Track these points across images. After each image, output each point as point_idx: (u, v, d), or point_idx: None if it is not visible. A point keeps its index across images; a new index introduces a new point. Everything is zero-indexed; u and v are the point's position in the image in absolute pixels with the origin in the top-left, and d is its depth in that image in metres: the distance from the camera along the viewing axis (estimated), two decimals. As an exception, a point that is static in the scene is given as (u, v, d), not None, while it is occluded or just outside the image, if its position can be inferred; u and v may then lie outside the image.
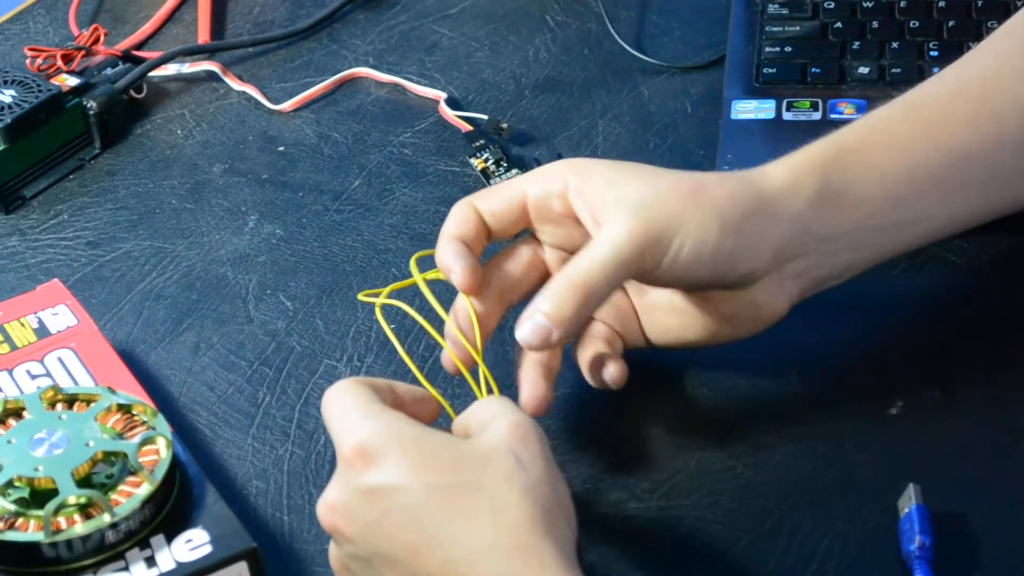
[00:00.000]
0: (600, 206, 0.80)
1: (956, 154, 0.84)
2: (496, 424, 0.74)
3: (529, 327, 0.79)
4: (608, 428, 0.87)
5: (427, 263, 0.85)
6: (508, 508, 0.70)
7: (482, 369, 0.81)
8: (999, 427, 0.84)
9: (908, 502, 0.79)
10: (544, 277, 0.84)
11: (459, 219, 0.83)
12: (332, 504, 0.74)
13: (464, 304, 0.82)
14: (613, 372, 0.84)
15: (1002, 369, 0.87)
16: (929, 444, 0.84)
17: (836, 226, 0.82)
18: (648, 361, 0.88)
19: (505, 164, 1.04)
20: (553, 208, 0.82)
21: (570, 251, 0.83)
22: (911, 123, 0.85)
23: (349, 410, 0.75)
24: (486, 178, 1.03)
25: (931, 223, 0.85)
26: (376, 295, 0.85)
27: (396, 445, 0.72)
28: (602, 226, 0.79)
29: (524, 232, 0.85)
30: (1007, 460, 0.83)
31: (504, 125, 1.06)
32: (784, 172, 0.82)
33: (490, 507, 0.70)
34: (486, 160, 1.04)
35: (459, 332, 0.82)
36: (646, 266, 0.79)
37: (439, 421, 0.80)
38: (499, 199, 0.83)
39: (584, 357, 0.85)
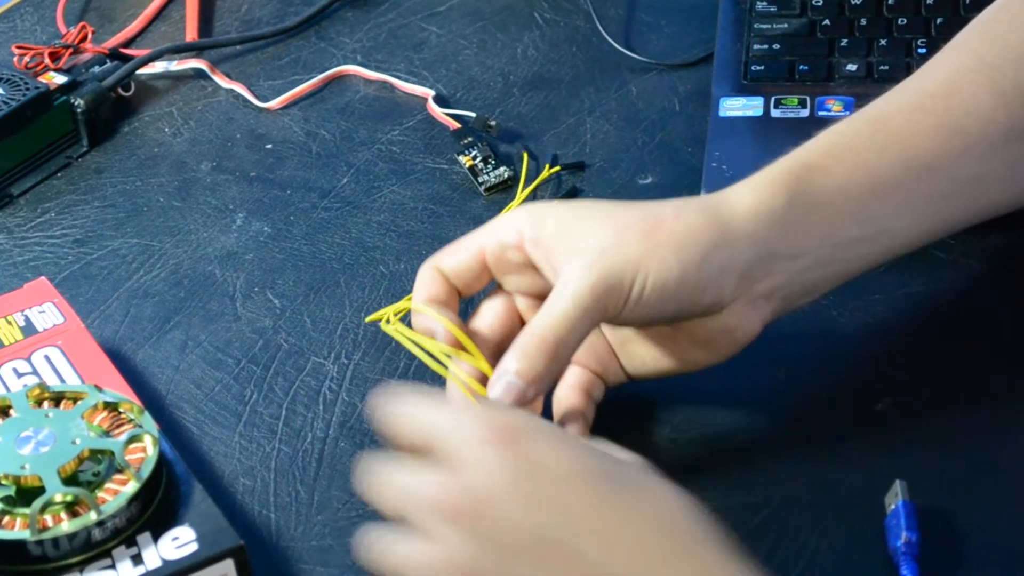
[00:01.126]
0: (557, 254, 0.80)
1: (920, 167, 0.84)
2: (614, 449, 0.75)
3: (502, 387, 0.78)
4: (594, 427, 0.86)
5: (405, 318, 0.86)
6: (675, 510, 0.70)
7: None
8: (986, 423, 0.85)
9: (895, 498, 0.79)
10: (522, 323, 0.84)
11: (427, 283, 0.83)
12: (475, 489, 0.68)
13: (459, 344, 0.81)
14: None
15: (989, 365, 0.88)
16: (916, 441, 0.84)
17: (801, 245, 0.82)
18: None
19: (493, 162, 1.04)
20: (511, 260, 0.82)
21: (538, 297, 0.82)
22: (873, 138, 0.84)
23: (459, 404, 0.74)
24: (474, 175, 1.03)
25: (897, 237, 0.84)
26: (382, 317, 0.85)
27: (546, 429, 0.72)
28: (560, 277, 0.79)
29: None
30: (994, 456, 0.83)
31: (492, 122, 1.06)
32: (747, 195, 0.82)
33: (657, 504, 0.70)
34: (474, 157, 1.04)
35: (464, 384, 0.81)
36: (610, 312, 0.79)
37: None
38: (459, 258, 0.83)
39: (556, 412, 0.84)
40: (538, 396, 0.79)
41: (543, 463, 0.69)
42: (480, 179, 1.03)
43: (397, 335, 0.85)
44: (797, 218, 0.81)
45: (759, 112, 1.03)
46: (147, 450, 0.79)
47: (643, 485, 0.71)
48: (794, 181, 0.82)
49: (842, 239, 0.82)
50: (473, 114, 1.07)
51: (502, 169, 1.03)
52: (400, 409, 0.73)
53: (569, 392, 0.84)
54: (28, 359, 0.89)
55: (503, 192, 1.03)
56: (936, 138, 0.84)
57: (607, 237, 0.79)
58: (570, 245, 0.80)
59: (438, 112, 1.08)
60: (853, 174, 0.83)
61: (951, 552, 0.78)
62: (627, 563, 0.67)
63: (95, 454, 0.79)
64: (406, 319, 0.87)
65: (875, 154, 0.84)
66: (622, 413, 0.87)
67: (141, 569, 0.76)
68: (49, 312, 0.92)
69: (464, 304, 0.85)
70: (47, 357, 0.89)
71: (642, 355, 0.85)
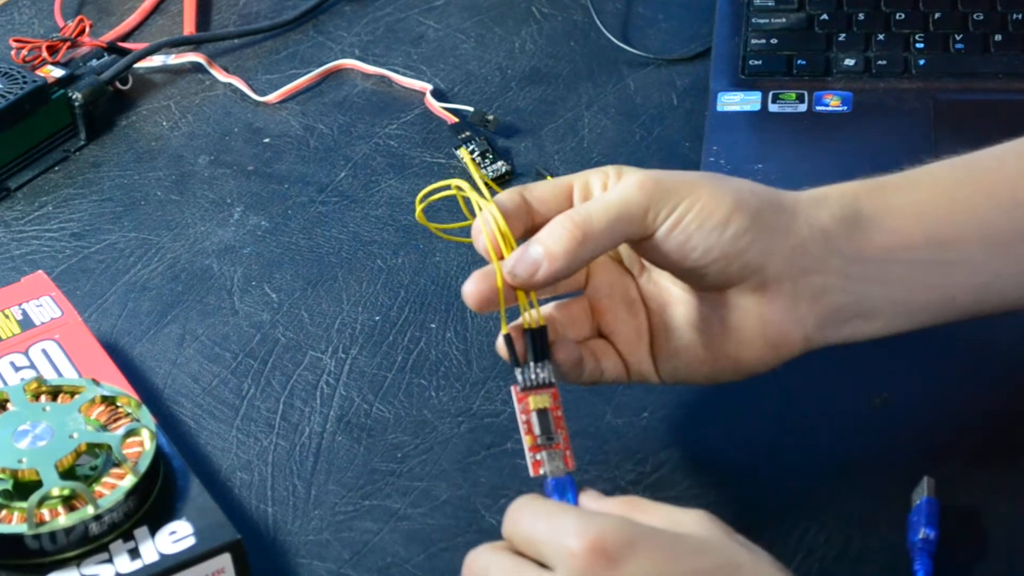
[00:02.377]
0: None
1: (1006, 204, 0.79)
2: (694, 515, 0.71)
3: (517, 255, 0.76)
4: (593, 420, 0.87)
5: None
6: None
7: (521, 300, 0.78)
8: (1012, 421, 0.85)
9: (920, 494, 0.78)
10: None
11: (505, 196, 0.79)
12: None
13: (492, 213, 0.78)
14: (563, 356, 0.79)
15: (988, 363, 0.88)
16: (917, 438, 0.84)
17: (861, 249, 0.78)
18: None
19: (491, 156, 1.04)
20: (593, 193, 0.80)
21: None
22: (958, 172, 0.81)
23: (560, 509, 0.70)
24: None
25: (979, 274, 0.79)
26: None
27: (641, 537, 0.68)
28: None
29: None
30: (1010, 451, 0.83)
31: (490, 117, 1.06)
32: (812, 191, 0.80)
33: None
34: (472, 152, 1.04)
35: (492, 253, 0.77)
36: (648, 225, 0.76)
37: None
38: (544, 187, 0.80)
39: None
40: (548, 280, 0.76)
41: None
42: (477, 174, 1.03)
43: (463, 193, 0.81)
44: (862, 223, 0.78)
45: (757, 107, 1.03)
46: (144, 444, 0.79)
47: (744, 569, 0.68)
48: (865, 192, 0.79)
49: (909, 258, 0.78)
50: (471, 108, 1.07)
51: (500, 163, 1.03)
52: (511, 514, 0.71)
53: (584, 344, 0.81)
54: (25, 353, 0.89)
55: (501, 187, 1.03)
56: None
57: (674, 171, 0.79)
58: (649, 171, 0.79)
59: (436, 106, 1.08)
60: (930, 198, 0.79)
61: (967, 549, 0.78)
62: None
63: (92, 448, 0.79)
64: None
65: (957, 185, 0.80)
66: (617, 413, 0.87)
67: (138, 563, 0.76)
68: (47, 306, 0.92)
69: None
70: (44, 351, 0.89)
71: (677, 341, 0.81)
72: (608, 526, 0.67)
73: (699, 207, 0.76)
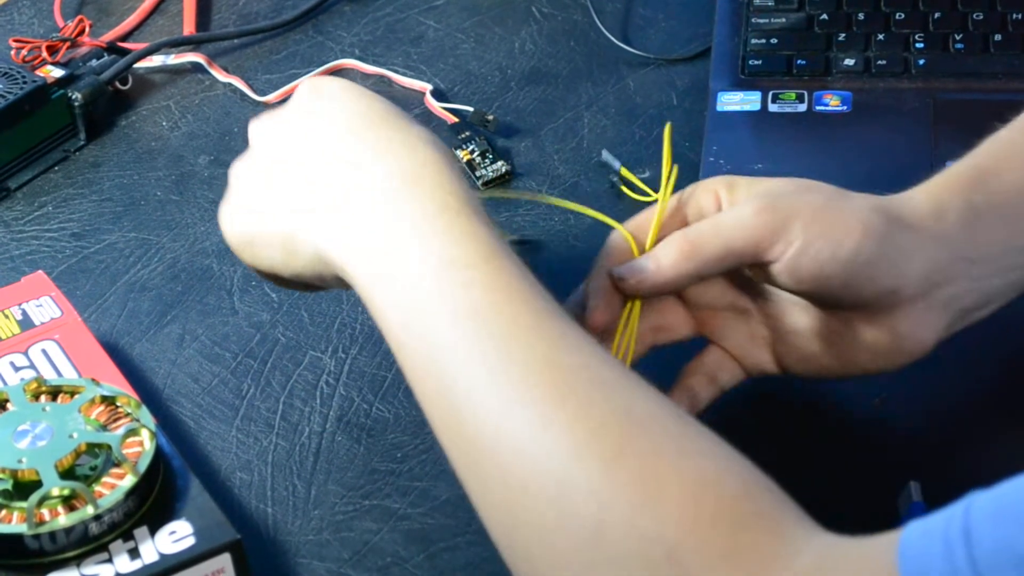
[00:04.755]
0: (742, 191, 0.80)
1: None
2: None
3: (628, 262, 0.79)
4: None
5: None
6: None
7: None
8: (992, 418, 0.85)
9: (908, 500, 0.78)
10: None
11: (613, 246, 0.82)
12: (272, 117, 0.79)
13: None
14: None
15: (987, 361, 0.88)
16: (916, 437, 0.84)
17: (984, 249, 0.78)
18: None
19: (491, 156, 1.04)
20: (700, 202, 0.81)
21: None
22: None
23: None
24: (471, 170, 1.03)
25: None
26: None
27: (338, 83, 0.79)
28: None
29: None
30: (999, 452, 0.83)
31: (490, 117, 1.06)
32: (925, 196, 0.79)
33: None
34: (472, 152, 1.04)
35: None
36: (766, 252, 0.76)
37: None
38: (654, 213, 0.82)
39: (679, 385, 0.83)
40: (655, 290, 0.79)
41: (320, 108, 0.78)
42: (477, 173, 1.03)
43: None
44: (978, 220, 0.78)
45: (756, 107, 1.03)
46: (144, 444, 0.79)
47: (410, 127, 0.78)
48: (967, 184, 0.79)
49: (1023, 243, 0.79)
50: (471, 108, 1.07)
51: (500, 164, 1.03)
52: None
53: (693, 372, 0.83)
54: (25, 353, 0.89)
55: (500, 186, 1.03)
56: None
57: (791, 187, 0.79)
58: (754, 190, 0.79)
59: (435, 106, 1.08)
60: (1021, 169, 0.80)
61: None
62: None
63: (92, 448, 0.79)
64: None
65: None
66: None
67: (138, 563, 0.76)
68: (46, 306, 0.92)
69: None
70: (44, 351, 0.89)
71: (803, 347, 0.81)
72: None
73: (826, 237, 0.76)
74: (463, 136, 1.05)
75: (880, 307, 0.78)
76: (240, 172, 0.81)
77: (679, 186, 0.99)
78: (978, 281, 0.79)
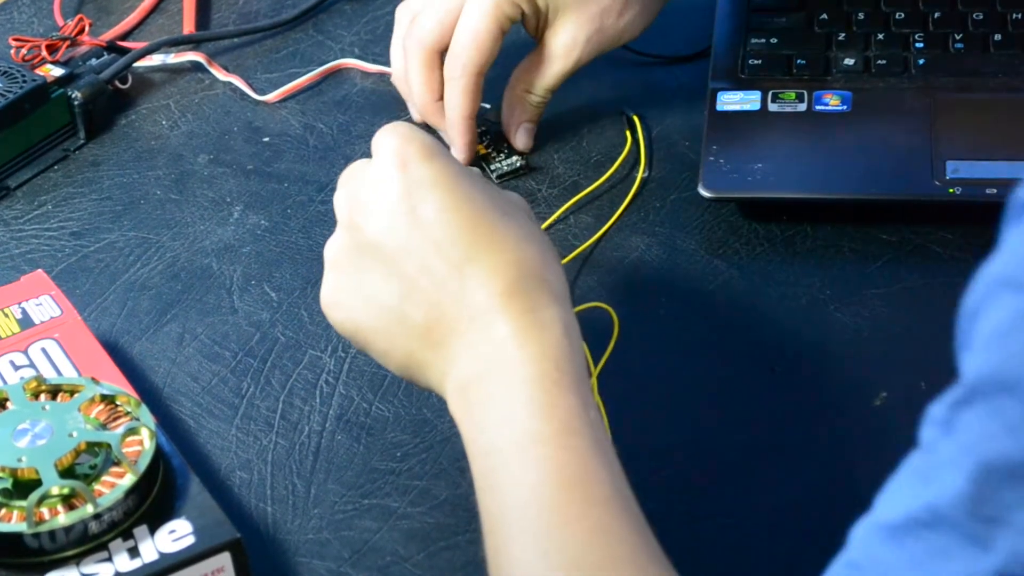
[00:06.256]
0: None
1: None
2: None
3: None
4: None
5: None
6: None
7: None
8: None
9: None
10: None
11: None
12: (360, 194, 0.79)
13: None
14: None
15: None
16: (914, 437, 0.84)
17: None
18: (625, 351, 0.88)
19: (507, 150, 1.04)
20: None
21: None
22: None
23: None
24: (487, 163, 1.03)
25: None
26: None
27: (440, 153, 0.78)
28: None
29: None
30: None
31: (490, 115, 1.06)
32: None
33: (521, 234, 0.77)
34: (487, 147, 1.04)
35: None
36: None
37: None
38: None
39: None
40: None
41: (423, 182, 0.77)
42: (493, 167, 1.03)
43: None
44: None
45: (756, 106, 1.03)
46: (144, 443, 0.79)
47: (520, 222, 0.78)
48: None
49: None
50: (488, 105, 1.06)
51: (515, 158, 1.03)
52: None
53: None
54: (25, 352, 0.89)
55: (517, 180, 1.03)
56: None
57: None
58: None
59: (437, 105, 1.08)
60: None
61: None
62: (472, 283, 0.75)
63: (92, 447, 0.79)
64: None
65: None
66: (617, 410, 0.87)
67: (138, 562, 0.76)
68: (46, 305, 0.92)
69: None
70: (44, 350, 0.89)
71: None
72: (415, 140, 0.79)
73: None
74: (479, 130, 1.05)
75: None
76: (335, 258, 0.81)
77: (679, 187, 0.99)
78: None
